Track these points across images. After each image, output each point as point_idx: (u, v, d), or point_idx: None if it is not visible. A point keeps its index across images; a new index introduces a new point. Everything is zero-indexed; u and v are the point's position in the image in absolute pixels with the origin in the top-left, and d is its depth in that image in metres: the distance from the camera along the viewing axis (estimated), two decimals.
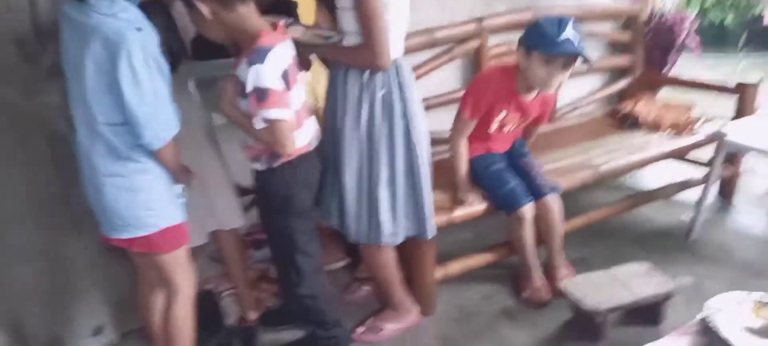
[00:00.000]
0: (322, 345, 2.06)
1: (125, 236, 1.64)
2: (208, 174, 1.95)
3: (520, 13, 2.76)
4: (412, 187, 1.98)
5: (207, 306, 1.88)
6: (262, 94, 1.59)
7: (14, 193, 1.92)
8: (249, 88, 1.59)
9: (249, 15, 1.62)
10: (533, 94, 2.23)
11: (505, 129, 2.31)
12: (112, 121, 1.52)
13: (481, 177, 2.30)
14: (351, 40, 1.81)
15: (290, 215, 1.85)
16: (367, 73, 1.84)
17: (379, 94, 1.87)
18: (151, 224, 1.64)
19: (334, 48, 1.85)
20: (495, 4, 2.77)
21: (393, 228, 2.00)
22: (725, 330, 1.19)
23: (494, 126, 2.27)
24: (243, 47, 1.64)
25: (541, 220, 2.31)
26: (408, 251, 2.21)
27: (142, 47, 1.45)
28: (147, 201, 1.63)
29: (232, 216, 2.08)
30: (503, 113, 2.24)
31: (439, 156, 2.34)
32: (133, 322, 2.14)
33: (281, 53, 1.63)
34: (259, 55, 1.58)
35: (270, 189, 1.81)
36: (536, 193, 2.28)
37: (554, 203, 2.30)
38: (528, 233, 2.27)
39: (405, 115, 1.91)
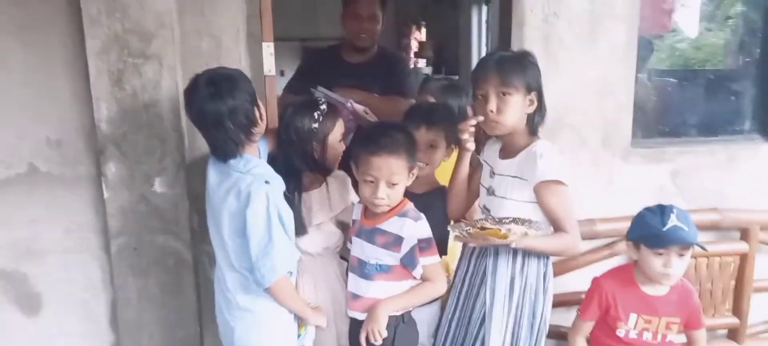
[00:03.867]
0: None
1: None
2: None
3: (703, 214, 2.44)
4: None
5: None
6: (427, 244, 1.79)
7: (153, 332, 2.09)
8: (415, 240, 1.77)
9: None
10: (661, 287, 1.95)
11: (645, 336, 1.98)
12: (243, 263, 1.69)
13: None
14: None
15: None
16: (520, 260, 1.81)
17: (532, 283, 1.83)
18: None
19: (544, 238, 1.78)
20: (673, 199, 2.48)
21: None
22: None
23: (625, 331, 1.98)
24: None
25: None
26: None
27: (266, 197, 1.66)
28: (273, 334, 1.76)
29: None
30: (633, 317, 1.96)
31: None
32: None
33: None
34: (414, 211, 1.80)
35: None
36: None
37: None
38: None
39: (544, 307, 1.86)
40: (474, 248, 1.90)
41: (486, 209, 1.87)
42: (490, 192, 1.85)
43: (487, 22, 5.04)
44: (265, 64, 2.18)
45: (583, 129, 2.39)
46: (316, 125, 1.89)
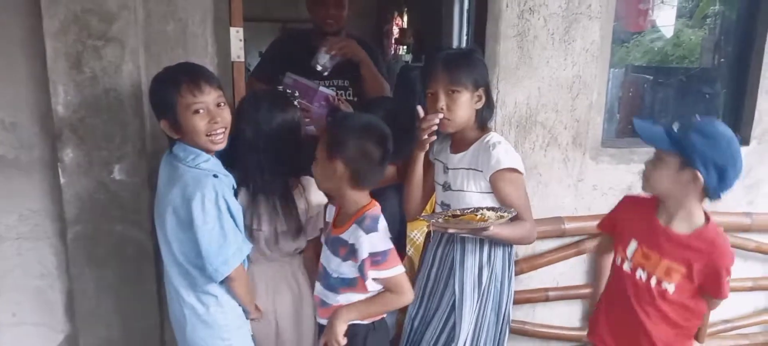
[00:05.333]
0: None
1: None
2: None
3: None
4: None
5: None
6: (381, 257, 1.63)
7: (111, 322, 2.05)
8: (364, 255, 1.62)
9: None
10: (680, 228, 1.67)
11: (639, 274, 1.73)
12: (189, 258, 1.66)
13: None
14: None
15: None
16: (486, 250, 1.83)
17: (498, 271, 1.84)
18: None
19: (510, 226, 1.73)
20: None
21: None
22: None
23: (621, 259, 1.79)
24: (347, 208, 1.70)
25: None
26: None
27: (214, 190, 1.62)
28: (221, 333, 1.73)
29: None
30: (633, 244, 1.74)
31: None
32: None
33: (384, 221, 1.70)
34: (373, 224, 1.64)
35: None
36: None
37: None
38: None
39: (509, 294, 1.88)
40: (439, 240, 1.90)
41: (445, 205, 1.86)
42: (446, 187, 1.86)
43: (468, 10, 5.01)
44: (233, 49, 2.12)
45: (555, 127, 2.38)
46: (297, 116, 1.84)
